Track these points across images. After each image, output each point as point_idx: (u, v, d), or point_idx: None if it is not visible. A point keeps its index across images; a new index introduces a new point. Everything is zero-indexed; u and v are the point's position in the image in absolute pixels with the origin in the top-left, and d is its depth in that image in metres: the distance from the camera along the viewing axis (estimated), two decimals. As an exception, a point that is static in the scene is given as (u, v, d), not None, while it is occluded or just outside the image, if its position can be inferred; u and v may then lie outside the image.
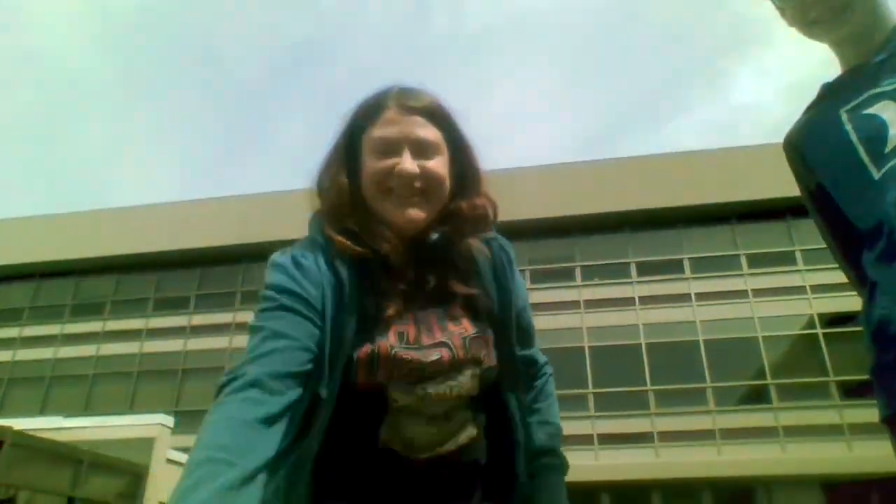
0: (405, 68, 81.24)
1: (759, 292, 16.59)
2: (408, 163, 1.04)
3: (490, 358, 1.07)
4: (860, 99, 1.13)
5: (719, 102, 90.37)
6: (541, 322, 19.75)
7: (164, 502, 11.70)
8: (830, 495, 14.32)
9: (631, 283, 17.57)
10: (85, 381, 19.07)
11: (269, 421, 0.85)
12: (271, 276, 1.02)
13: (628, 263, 17.87)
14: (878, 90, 1.11)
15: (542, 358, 1.25)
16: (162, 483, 11.60)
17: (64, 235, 20.56)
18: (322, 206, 1.12)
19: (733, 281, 16.93)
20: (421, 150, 1.06)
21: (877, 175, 1.08)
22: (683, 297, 17.01)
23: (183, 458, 12.86)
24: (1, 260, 20.81)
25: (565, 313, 17.16)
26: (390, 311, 1.02)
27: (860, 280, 1.20)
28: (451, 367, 1.02)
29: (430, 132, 1.08)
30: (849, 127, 1.13)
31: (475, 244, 1.13)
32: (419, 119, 1.08)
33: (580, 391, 16.02)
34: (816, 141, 1.22)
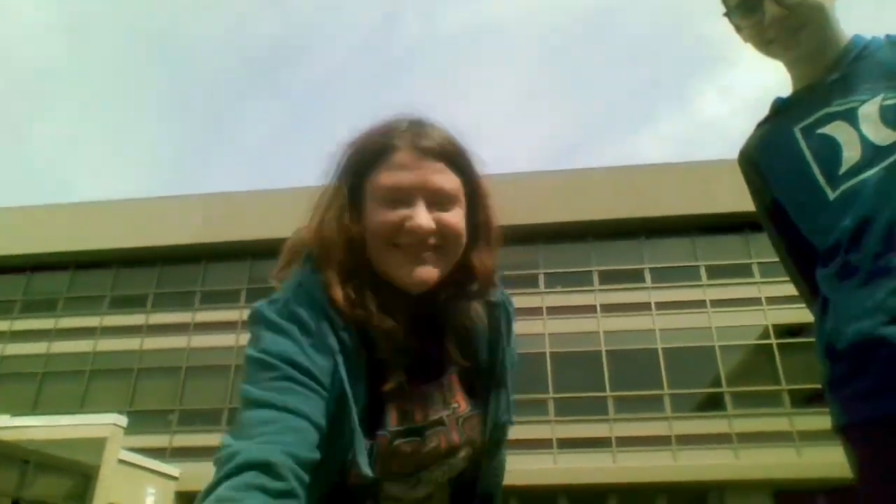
0: (375, 71, 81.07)
1: (716, 303, 16.98)
2: (422, 216, 0.89)
3: (483, 437, 1.00)
4: (813, 117, 1.16)
5: (684, 117, 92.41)
6: (504, 327, 19.78)
7: (113, 503, 11.40)
8: (780, 499, 14.71)
9: (593, 291, 17.80)
10: (34, 380, 18.46)
11: None
12: (269, 340, 0.84)
13: (591, 272, 18.10)
14: (830, 110, 1.14)
15: (504, 439, 1.11)
16: (113, 484, 11.31)
17: (16, 229, 19.89)
18: (318, 254, 0.94)
19: (692, 291, 17.29)
20: (437, 200, 0.92)
21: (832, 196, 1.11)
22: (644, 306, 17.31)
23: (135, 458, 12.58)
24: (-52, 252, 20.06)
25: (528, 319, 17.28)
26: (392, 385, 0.90)
27: (812, 293, 1.23)
28: (448, 453, 0.96)
29: (448, 180, 0.93)
30: (803, 145, 1.16)
31: (476, 309, 1.02)
32: (436, 164, 0.93)
33: (541, 396, 16.15)
34: (772, 156, 1.24)
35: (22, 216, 20.33)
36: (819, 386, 1.15)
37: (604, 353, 16.79)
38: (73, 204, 20.82)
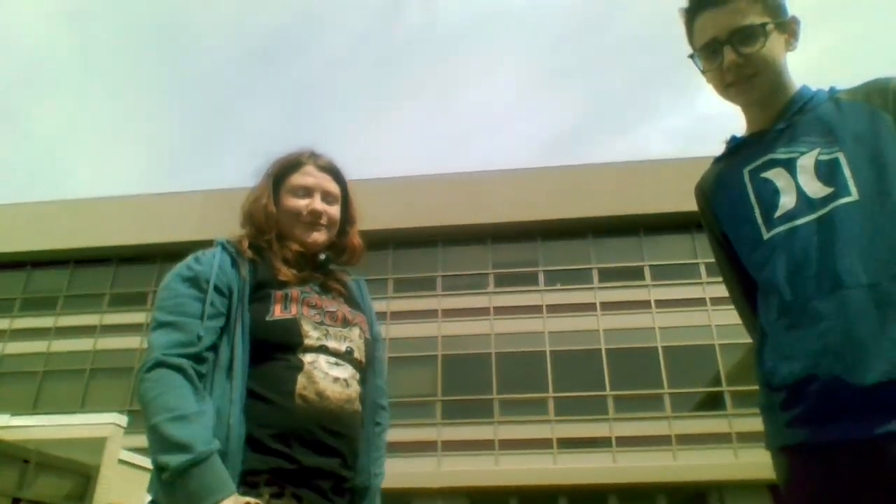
0: (375, 64, 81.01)
1: (716, 300, 16.93)
2: (319, 204, 1.52)
3: (368, 332, 1.48)
4: (760, 161, 1.31)
5: (686, 111, 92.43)
6: (503, 326, 19.57)
7: (113, 503, 11.39)
8: (778, 498, 14.69)
9: (592, 289, 17.78)
10: (34, 378, 18.46)
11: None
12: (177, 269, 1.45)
13: (590, 269, 18.09)
14: (774, 156, 1.29)
15: (387, 403, 1.57)
16: (113, 484, 11.29)
17: (15, 226, 19.88)
18: (246, 226, 1.53)
19: (692, 289, 17.26)
20: (327, 198, 1.55)
21: (765, 235, 1.27)
22: (643, 304, 17.29)
23: (136, 458, 12.56)
24: (-53, 250, 20.02)
25: (527, 317, 17.27)
26: (290, 276, 1.41)
27: (754, 320, 1.36)
28: (344, 323, 1.42)
29: (334, 187, 1.57)
30: (749, 186, 1.32)
31: (346, 276, 1.60)
32: (328, 176, 1.57)
33: (540, 395, 16.14)
34: (722, 193, 1.42)
35: (21, 212, 20.31)
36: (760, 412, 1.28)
37: (604, 352, 16.77)
38: (72, 200, 20.79)
